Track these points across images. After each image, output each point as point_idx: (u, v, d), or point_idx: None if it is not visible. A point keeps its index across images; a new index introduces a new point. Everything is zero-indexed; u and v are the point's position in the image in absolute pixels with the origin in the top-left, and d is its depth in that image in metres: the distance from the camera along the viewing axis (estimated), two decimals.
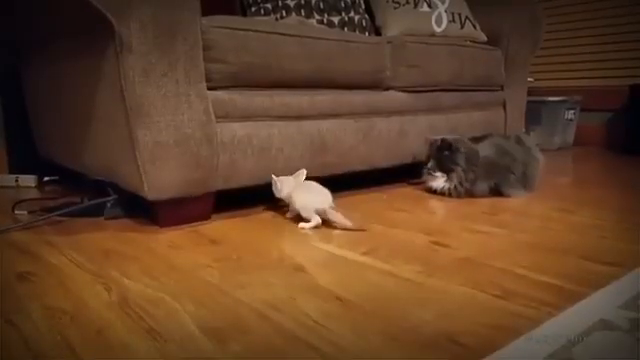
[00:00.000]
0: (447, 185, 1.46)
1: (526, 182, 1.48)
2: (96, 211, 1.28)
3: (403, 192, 1.57)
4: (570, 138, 2.70)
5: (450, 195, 1.45)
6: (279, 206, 1.32)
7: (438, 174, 1.48)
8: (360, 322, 0.67)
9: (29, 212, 1.33)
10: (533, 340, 0.61)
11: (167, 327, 0.67)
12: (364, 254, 0.96)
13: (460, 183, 1.44)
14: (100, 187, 1.32)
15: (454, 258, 0.93)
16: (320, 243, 1.03)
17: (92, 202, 1.28)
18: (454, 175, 1.45)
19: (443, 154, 1.47)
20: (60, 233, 1.15)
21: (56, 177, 1.86)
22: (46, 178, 1.85)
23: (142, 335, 0.65)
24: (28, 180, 1.78)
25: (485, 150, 1.49)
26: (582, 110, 2.70)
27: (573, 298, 0.73)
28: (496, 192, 1.46)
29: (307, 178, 1.25)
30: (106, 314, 0.71)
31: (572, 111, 2.63)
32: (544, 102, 2.54)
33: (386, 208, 1.34)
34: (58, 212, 1.26)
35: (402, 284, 0.81)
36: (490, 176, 1.45)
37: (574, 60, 2.79)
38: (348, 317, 0.69)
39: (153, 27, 1.04)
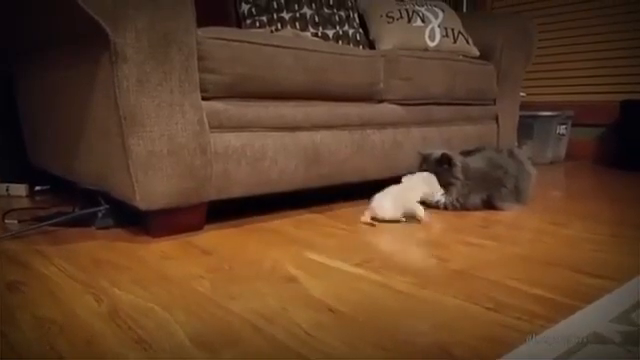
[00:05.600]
0: (444, 199, 1.45)
1: (518, 195, 1.49)
2: (87, 221, 1.27)
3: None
4: (562, 152, 2.72)
5: (446, 208, 1.45)
6: (272, 216, 1.32)
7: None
8: (352, 333, 0.67)
9: (19, 221, 1.32)
10: (531, 345, 0.61)
11: (157, 338, 0.66)
12: (357, 265, 0.95)
13: (457, 198, 1.44)
14: (92, 196, 1.31)
15: (447, 270, 0.93)
16: (313, 254, 1.03)
17: (83, 212, 1.27)
18: (453, 189, 1.44)
19: (442, 168, 1.46)
20: (51, 243, 1.14)
21: (47, 186, 1.84)
22: (37, 187, 1.83)
23: (132, 346, 0.64)
24: (19, 189, 1.76)
25: (476, 162, 1.49)
26: (574, 125, 2.72)
27: (566, 311, 0.73)
28: (488, 205, 1.46)
29: (301, 189, 1.26)
30: (96, 324, 0.71)
31: (564, 126, 2.66)
32: (536, 116, 2.57)
33: (379, 220, 1.34)
34: (49, 221, 1.25)
35: (395, 295, 0.80)
36: (482, 189, 1.45)
37: (566, 75, 2.82)
38: (340, 328, 0.69)
39: (148, 37, 1.04)
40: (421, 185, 1.28)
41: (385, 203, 1.28)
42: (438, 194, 1.38)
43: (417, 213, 1.25)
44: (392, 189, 1.32)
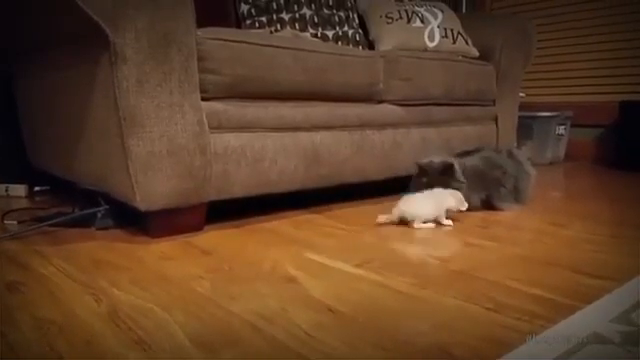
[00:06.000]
0: None
1: (517, 195, 1.49)
2: (87, 221, 1.27)
3: (396, 205, 1.56)
4: (561, 153, 2.72)
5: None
6: (271, 216, 1.32)
7: None
8: (352, 334, 0.67)
9: (19, 222, 1.32)
10: (531, 345, 0.61)
11: (157, 338, 0.66)
12: (357, 265, 0.95)
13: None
14: (91, 197, 1.31)
15: (447, 270, 0.93)
16: (312, 254, 1.03)
17: (83, 212, 1.27)
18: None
19: (445, 176, 1.44)
20: (50, 243, 1.14)
21: (47, 187, 1.84)
22: (37, 188, 1.83)
23: (132, 346, 0.64)
24: (18, 190, 1.76)
25: (472, 161, 1.49)
26: (573, 125, 2.72)
27: (566, 311, 0.73)
28: (487, 205, 1.46)
29: (300, 190, 1.25)
30: (95, 325, 0.70)
31: (563, 126, 2.66)
32: (535, 117, 2.57)
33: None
34: (48, 222, 1.25)
35: (395, 296, 0.80)
36: (481, 188, 1.45)
37: (566, 76, 2.82)
38: (340, 329, 0.68)
39: (148, 37, 1.04)
40: (450, 197, 1.30)
41: (426, 204, 1.28)
42: (464, 207, 1.34)
43: (444, 222, 1.28)
44: (427, 193, 1.31)
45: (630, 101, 2.42)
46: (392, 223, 1.28)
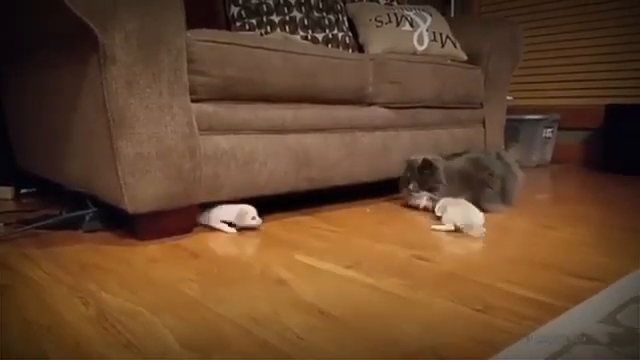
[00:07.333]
0: (432, 203, 1.46)
1: (505, 197, 1.50)
2: (75, 224, 1.25)
3: (386, 206, 1.57)
4: (548, 156, 2.75)
5: (433, 211, 1.45)
6: (261, 218, 1.32)
7: (422, 193, 1.48)
8: (344, 336, 0.67)
9: (5, 224, 1.30)
10: (520, 345, 0.61)
11: (146, 341, 0.66)
12: (347, 267, 0.95)
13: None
14: (79, 199, 1.30)
15: (437, 272, 0.93)
16: (303, 256, 1.03)
17: (71, 215, 1.26)
18: (437, 193, 1.45)
19: (424, 173, 1.47)
20: (37, 246, 1.13)
21: (34, 189, 1.82)
22: (24, 190, 1.81)
23: (120, 349, 0.63)
24: (5, 192, 1.74)
25: (459, 163, 1.51)
26: (560, 128, 2.75)
27: (555, 312, 0.74)
28: (475, 206, 1.46)
29: (290, 193, 1.24)
30: (84, 328, 0.70)
31: (550, 129, 2.68)
32: (522, 120, 2.59)
33: (369, 222, 1.35)
34: (36, 224, 1.24)
35: (385, 298, 0.81)
36: (467, 189, 1.46)
37: (553, 80, 2.85)
38: (332, 331, 0.68)
39: (138, 38, 1.04)
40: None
41: (476, 211, 1.26)
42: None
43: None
44: (462, 201, 1.32)
45: (616, 104, 2.45)
46: (447, 231, 1.24)
